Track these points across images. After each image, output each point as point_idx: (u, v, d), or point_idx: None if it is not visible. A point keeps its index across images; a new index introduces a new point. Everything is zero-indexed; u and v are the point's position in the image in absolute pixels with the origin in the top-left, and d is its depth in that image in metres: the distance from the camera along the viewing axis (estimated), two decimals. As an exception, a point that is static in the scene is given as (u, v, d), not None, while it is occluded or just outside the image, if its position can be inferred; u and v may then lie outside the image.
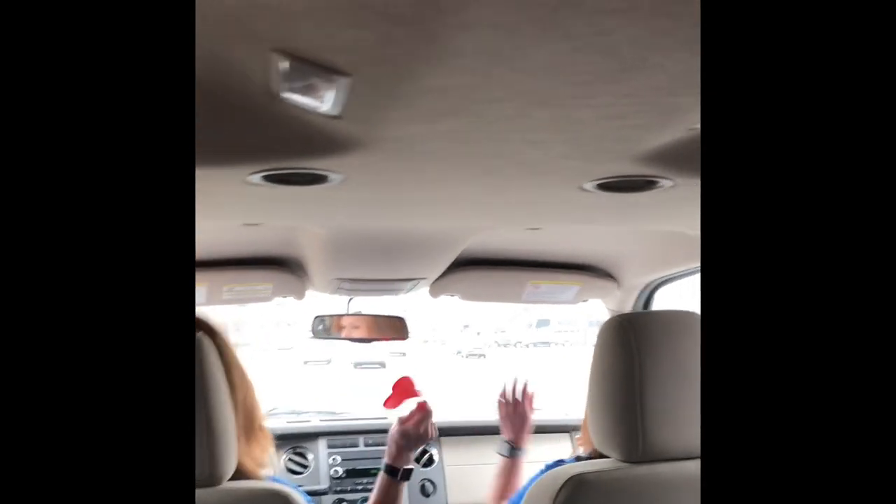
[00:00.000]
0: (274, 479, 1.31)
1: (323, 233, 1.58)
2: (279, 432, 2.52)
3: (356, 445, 2.51)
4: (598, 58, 0.65)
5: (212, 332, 1.15)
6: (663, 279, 2.14)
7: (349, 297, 2.19)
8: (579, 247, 2.04)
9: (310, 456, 2.50)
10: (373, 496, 1.71)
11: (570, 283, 2.16)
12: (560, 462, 1.36)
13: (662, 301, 2.25)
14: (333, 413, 2.81)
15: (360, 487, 2.43)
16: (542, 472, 1.33)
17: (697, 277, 2.06)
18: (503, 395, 1.90)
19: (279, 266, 2.01)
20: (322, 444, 2.52)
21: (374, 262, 1.86)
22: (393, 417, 1.84)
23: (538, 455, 2.11)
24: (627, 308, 2.25)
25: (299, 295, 2.13)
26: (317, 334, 2.23)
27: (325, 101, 0.75)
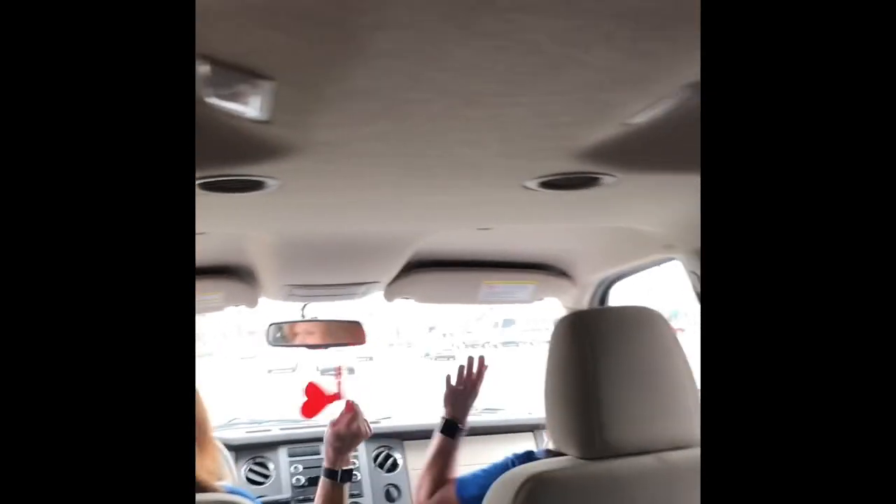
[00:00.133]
0: (231, 490, 1.30)
1: (270, 239, 1.57)
2: (239, 443, 2.50)
3: (317, 453, 2.49)
4: (520, 56, 0.64)
5: None
6: (617, 275, 2.15)
7: (303, 304, 2.17)
8: (532, 245, 2.05)
9: (271, 465, 2.48)
10: (316, 501, 1.68)
11: (525, 283, 2.16)
12: (530, 453, 1.36)
13: (621, 297, 2.27)
14: (294, 421, 2.79)
15: None
16: (511, 461, 1.33)
17: (653, 272, 2.08)
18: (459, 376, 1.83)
19: (229, 274, 1.98)
20: (283, 452, 2.50)
21: (325, 267, 1.84)
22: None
23: (502, 454, 2.11)
24: (584, 305, 2.26)
25: (251, 303, 2.10)
26: (274, 342, 2.21)
27: (251, 106, 0.74)
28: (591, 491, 1.07)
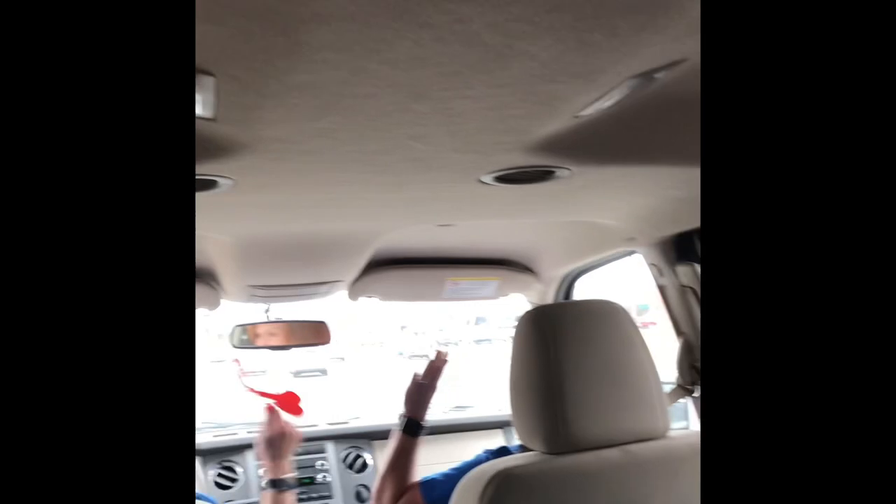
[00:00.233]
0: (199, 496, 1.28)
1: (228, 240, 1.55)
2: (206, 447, 2.47)
3: None
4: (461, 47, 0.64)
5: None
6: (580, 269, 2.16)
7: (266, 305, 2.15)
8: (494, 241, 2.05)
9: (238, 469, 2.45)
10: None
11: (489, 279, 2.16)
12: (504, 448, 1.35)
13: (587, 291, 2.28)
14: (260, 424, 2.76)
15: None
16: (483, 458, 1.32)
17: (614, 266, 2.09)
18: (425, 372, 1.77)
19: None
20: (250, 456, 2.47)
21: (285, 267, 1.83)
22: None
23: (472, 451, 2.11)
24: (548, 300, 2.26)
25: (212, 305, 2.08)
26: (239, 344, 2.19)
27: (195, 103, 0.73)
28: (558, 485, 1.07)
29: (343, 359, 20.67)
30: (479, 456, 1.36)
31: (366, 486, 2.51)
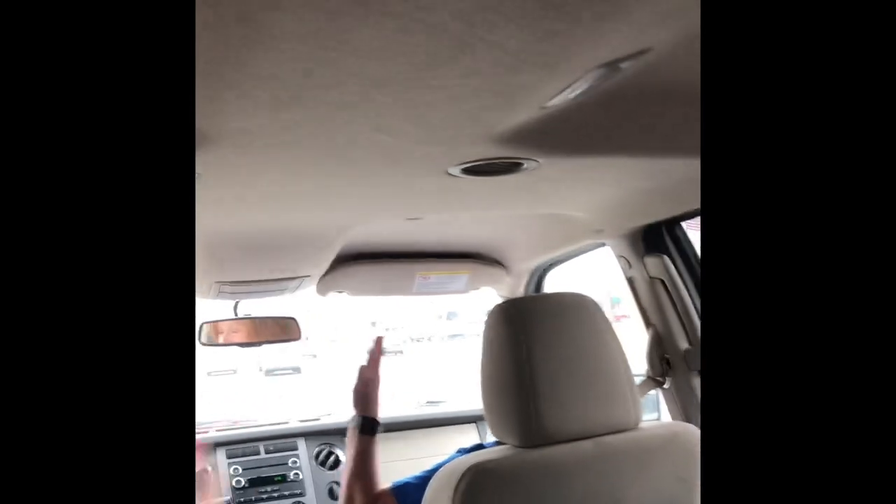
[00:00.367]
0: None
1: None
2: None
3: (257, 453, 2.45)
4: (425, 37, 0.63)
5: None
6: (550, 262, 2.16)
7: (235, 301, 2.12)
8: (464, 235, 2.04)
9: (209, 468, 2.43)
10: None
11: (459, 273, 2.16)
12: (480, 446, 1.34)
13: (559, 285, 2.28)
14: (232, 422, 2.74)
15: (264, 496, 2.37)
16: (456, 456, 1.32)
17: (588, 259, 2.10)
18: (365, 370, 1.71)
19: None
20: (221, 454, 2.44)
21: (252, 262, 1.80)
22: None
23: (446, 446, 2.11)
24: (519, 294, 2.26)
25: None
26: (207, 341, 2.16)
27: None
28: (531, 478, 1.07)
29: (315, 356, 20.57)
30: (452, 456, 1.35)
31: (338, 483, 2.50)
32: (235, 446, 2.47)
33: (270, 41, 0.62)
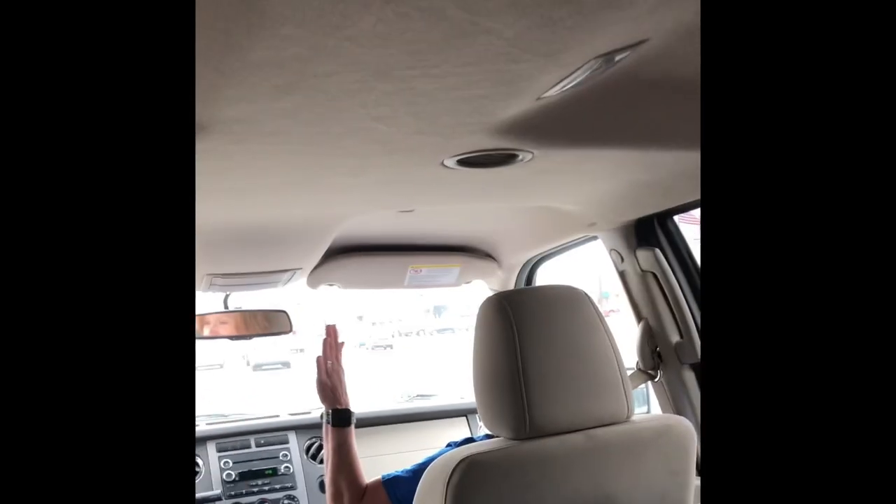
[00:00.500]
0: None
1: None
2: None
3: (247, 447, 2.44)
4: (425, 23, 0.63)
5: None
6: (541, 256, 2.17)
7: (225, 294, 2.11)
8: (456, 228, 2.04)
9: (200, 461, 2.42)
10: None
11: (451, 266, 2.16)
12: (470, 439, 1.34)
13: (551, 277, 2.28)
14: (222, 416, 2.73)
15: (255, 490, 2.36)
16: (446, 450, 1.32)
17: (576, 256, 2.10)
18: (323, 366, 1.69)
19: None
20: (211, 448, 2.44)
21: (243, 254, 1.80)
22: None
23: (436, 440, 2.11)
24: (510, 287, 2.26)
25: None
26: (195, 334, 2.15)
27: None
28: (523, 471, 1.07)
29: (303, 350, 20.54)
30: (442, 450, 1.35)
31: (330, 476, 2.50)
32: (226, 440, 2.46)
33: (271, 26, 0.62)
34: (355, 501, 1.48)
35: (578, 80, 0.81)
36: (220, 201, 1.29)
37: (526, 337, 1.10)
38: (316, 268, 2.02)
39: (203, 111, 0.81)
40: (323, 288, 2.12)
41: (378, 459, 2.35)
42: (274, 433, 2.49)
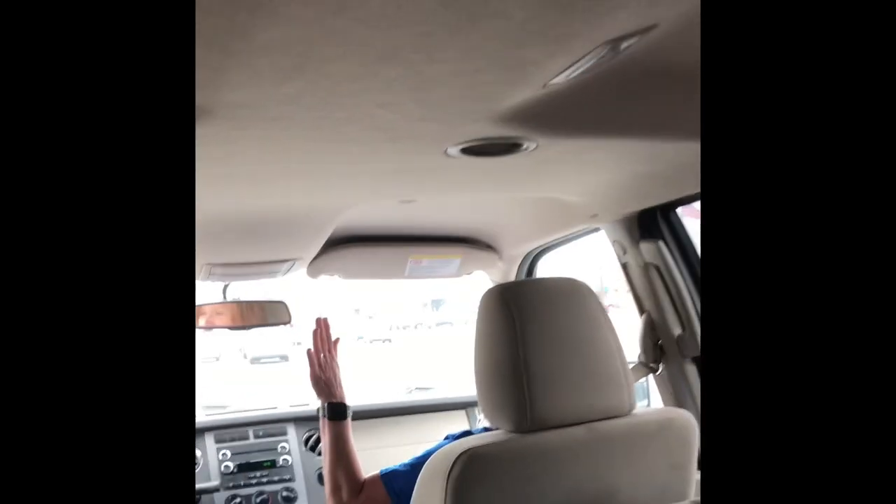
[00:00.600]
0: None
1: None
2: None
3: (246, 438, 2.44)
4: (433, 4, 0.62)
5: None
6: (543, 247, 2.16)
7: (224, 284, 2.11)
8: (457, 218, 2.03)
9: (198, 453, 2.41)
10: None
11: (451, 256, 2.15)
12: (468, 432, 1.34)
13: (553, 270, 2.27)
14: (220, 407, 2.72)
15: (253, 481, 2.36)
16: (446, 444, 1.31)
17: (576, 251, 2.10)
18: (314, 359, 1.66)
19: None
20: (209, 439, 2.43)
21: (243, 244, 1.79)
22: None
23: (435, 433, 2.10)
24: (511, 278, 2.26)
25: None
26: None
27: None
28: (524, 464, 1.07)
29: (300, 343, 20.49)
30: (441, 443, 1.34)
31: (327, 471, 2.50)
32: (224, 431, 2.45)
33: (273, 6, 0.61)
34: (353, 494, 1.48)
35: (585, 67, 0.80)
36: (220, 189, 1.28)
37: (527, 329, 1.10)
38: (316, 257, 2.02)
39: (206, 95, 0.80)
40: (323, 278, 2.11)
41: (376, 452, 2.35)
42: (273, 425, 2.48)
